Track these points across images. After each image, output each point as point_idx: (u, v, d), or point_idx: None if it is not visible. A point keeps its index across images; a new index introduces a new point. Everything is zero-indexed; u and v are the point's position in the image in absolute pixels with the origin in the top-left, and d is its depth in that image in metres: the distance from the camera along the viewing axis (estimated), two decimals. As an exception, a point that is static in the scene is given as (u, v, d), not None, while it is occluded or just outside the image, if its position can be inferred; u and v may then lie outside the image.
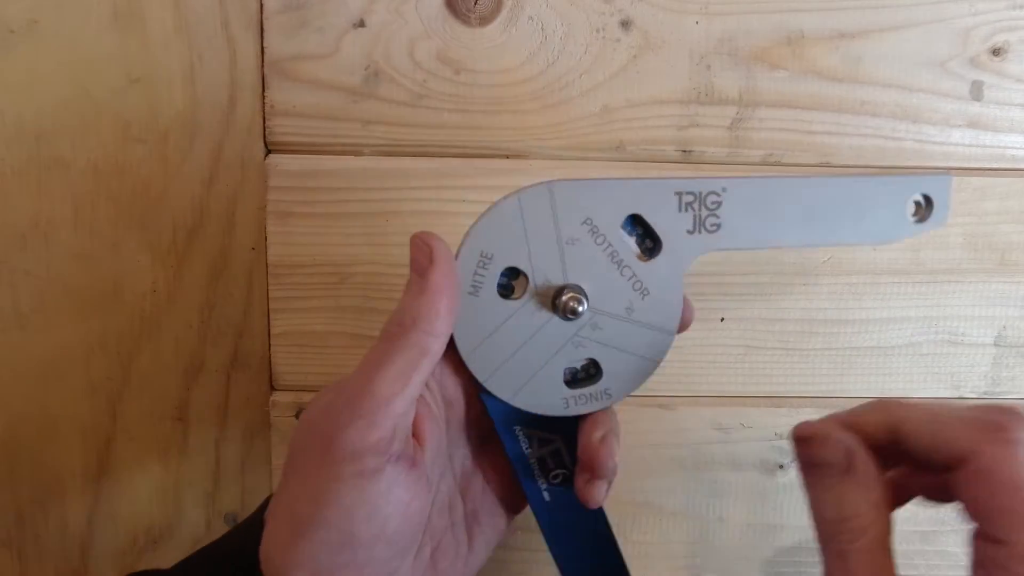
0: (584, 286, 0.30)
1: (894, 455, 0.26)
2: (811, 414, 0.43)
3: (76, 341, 0.42)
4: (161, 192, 0.41)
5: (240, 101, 0.40)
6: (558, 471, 0.32)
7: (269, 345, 0.42)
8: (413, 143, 0.40)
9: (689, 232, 0.30)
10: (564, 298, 0.29)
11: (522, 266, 0.29)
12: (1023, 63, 0.41)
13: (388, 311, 0.41)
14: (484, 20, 0.39)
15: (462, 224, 0.40)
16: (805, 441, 0.27)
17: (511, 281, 0.30)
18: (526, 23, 0.39)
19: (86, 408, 0.43)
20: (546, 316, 0.30)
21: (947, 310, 0.43)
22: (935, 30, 0.40)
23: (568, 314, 0.29)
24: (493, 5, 0.39)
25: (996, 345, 0.43)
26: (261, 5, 0.39)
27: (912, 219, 0.31)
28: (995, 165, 0.42)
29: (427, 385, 0.30)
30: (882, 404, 0.27)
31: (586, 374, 0.31)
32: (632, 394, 0.31)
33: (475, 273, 0.29)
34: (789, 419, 0.43)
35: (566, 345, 0.30)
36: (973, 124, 0.41)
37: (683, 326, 0.31)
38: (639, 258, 0.30)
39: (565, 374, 0.31)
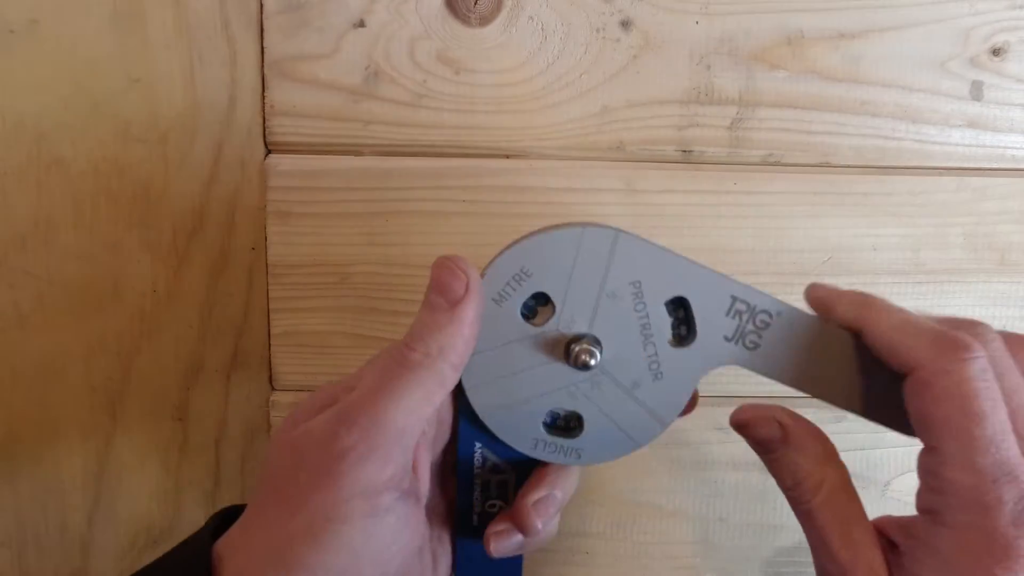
0: (604, 343, 0.28)
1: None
2: (812, 414, 0.43)
3: (76, 341, 0.42)
4: (161, 192, 0.41)
5: (240, 101, 0.40)
6: (496, 501, 0.31)
7: (269, 345, 0.42)
8: (413, 143, 0.40)
9: (727, 339, 0.28)
10: (580, 346, 0.28)
11: (555, 298, 0.28)
12: (1023, 63, 0.41)
13: (388, 311, 0.42)
14: (484, 20, 0.39)
15: (462, 224, 0.41)
16: (743, 427, 0.28)
17: (537, 306, 0.29)
18: (526, 23, 0.39)
19: (86, 408, 0.43)
20: (555, 356, 0.29)
21: (947, 310, 0.43)
22: (935, 30, 0.40)
23: (577, 363, 0.28)
24: (493, 5, 0.39)
25: (996, 345, 0.43)
26: (261, 5, 0.39)
27: None
28: (995, 165, 0.42)
29: None
30: (861, 298, 0.28)
31: (566, 425, 0.30)
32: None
33: (507, 283, 0.28)
34: (789, 419, 0.43)
35: (560, 390, 0.29)
36: (973, 124, 0.41)
37: (683, 412, 0.30)
38: (669, 341, 0.29)
39: (547, 416, 0.29)
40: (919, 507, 0.25)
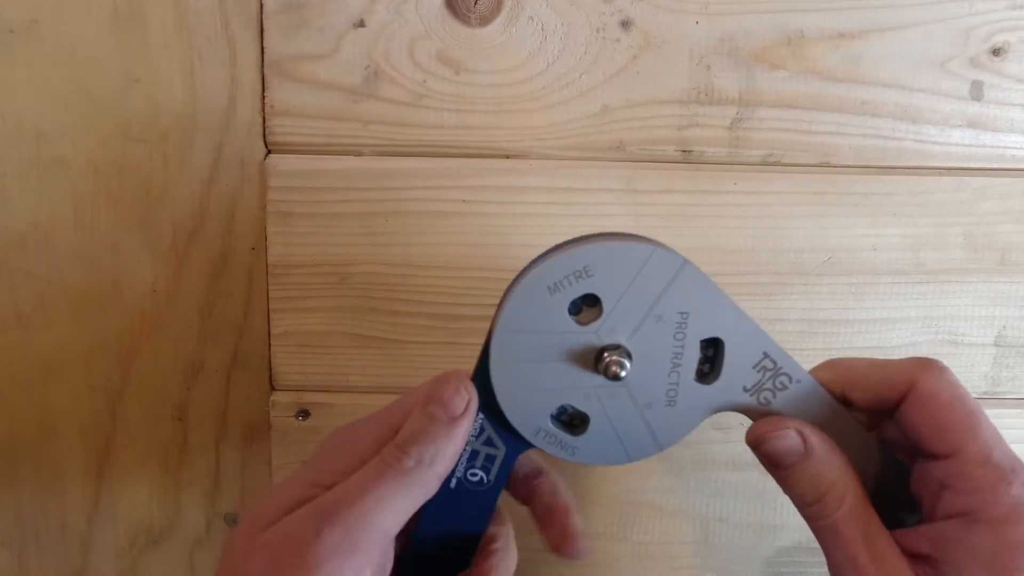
0: (635, 359, 0.29)
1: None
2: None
3: (76, 341, 0.42)
4: (161, 192, 0.41)
5: (240, 101, 0.40)
6: (479, 472, 0.31)
7: (269, 345, 0.42)
8: (413, 143, 0.40)
9: (744, 389, 0.29)
10: (613, 357, 0.28)
11: (606, 304, 0.28)
12: (1023, 63, 0.41)
13: (388, 311, 0.42)
14: (484, 20, 0.39)
15: (462, 224, 0.41)
16: (761, 443, 0.28)
17: (584, 306, 0.29)
18: (526, 23, 0.39)
19: (86, 408, 0.43)
20: (585, 357, 0.29)
21: (947, 310, 0.43)
22: (935, 30, 0.40)
23: (607, 372, 0.28)
24: (493, 5, 0.39)
25: (996, 345, 0.43)
26: (261, 5, 0.39)
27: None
28: (995, 165, 0.42)
29: None
30: (830, 363, 0.30)
31: (571, 422, 0.30)
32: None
33: (567, 276, 0.28)
34: (789, 419, 0.43)
35: (580, 390, 0.29)
36: (973, 124, 0.41)
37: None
38: (692, 375, 0.29)
39: (556, 409, 0.30)
40: (948, 514, 0.26)
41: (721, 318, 0.29)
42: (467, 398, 0.28)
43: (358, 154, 0.40)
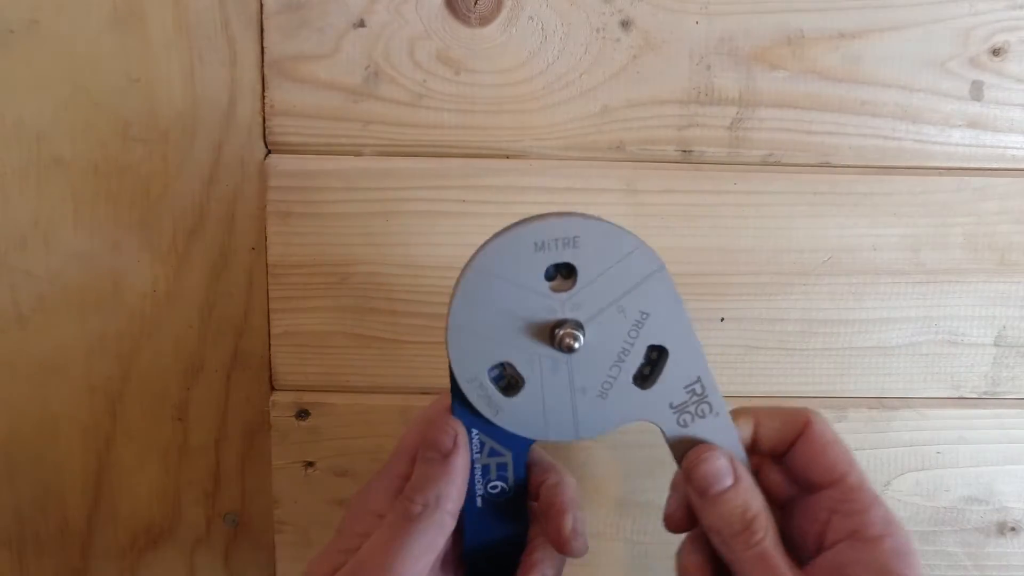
0: (587, 341, 0.29)
1: None
2: (811, 414, 0.43)
3: (76, 341, 0.42)
4: (161, 192, 0.41)
5: (240, 101, 0.40)
6: (498, 483, 0.32)
7: (269, 345, 0.42)
8: (413, 143, 0.40)
9: (671, 406, 0.31)
10: (569, 330, 0.29)
11: (581, 280, 0.29)
12: (1023, 63, 0.41)
13: (388, 311, 0.42)
14: (484, 20, 0.39)
15: (462, 224, 0.41)
16: (696, 464, 0.30)
17: (560, 275, 0.29)
18: (526, 23, 0.39)
19: (86, 408, 0.43)
20: (543, 323, 0.29)
21: (947, 310, 0.43)
22: (935, 30, 0.40)
23: (560, 342, 0.29)
24: (493, 5, 0.39)
25: (996, 345, 0.43)
26: (261, 5, 0.39)
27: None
28: (995, 165, 0.42)
29: None
30: (741, 408, 0.32)
31: (507, 383, 0.31)
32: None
33: (557, 239, 0.29)
34: (789, 419, 0.43)
35: (527, 352, 0.30)
36: (973, 124, 0.41)
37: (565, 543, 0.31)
38: (631, 375, 0.30)
39: (497, 366, 0.30)
40: (838, 538, 0.29)
41: (674, 330, 0.30)
42: (453, 433, 0.30)
43: (358, 154, 0.40)
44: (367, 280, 0.41)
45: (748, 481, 0.30)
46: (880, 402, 0.44)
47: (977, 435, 0.44)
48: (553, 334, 0.29)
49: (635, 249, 0.29)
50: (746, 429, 0.32)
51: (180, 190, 0.41)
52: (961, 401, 0.44)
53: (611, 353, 0.30)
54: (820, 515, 0.29)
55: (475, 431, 0.31)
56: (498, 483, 0.32)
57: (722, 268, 0.42)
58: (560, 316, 0.29)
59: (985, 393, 0.44)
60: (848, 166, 0.41)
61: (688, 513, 0.31)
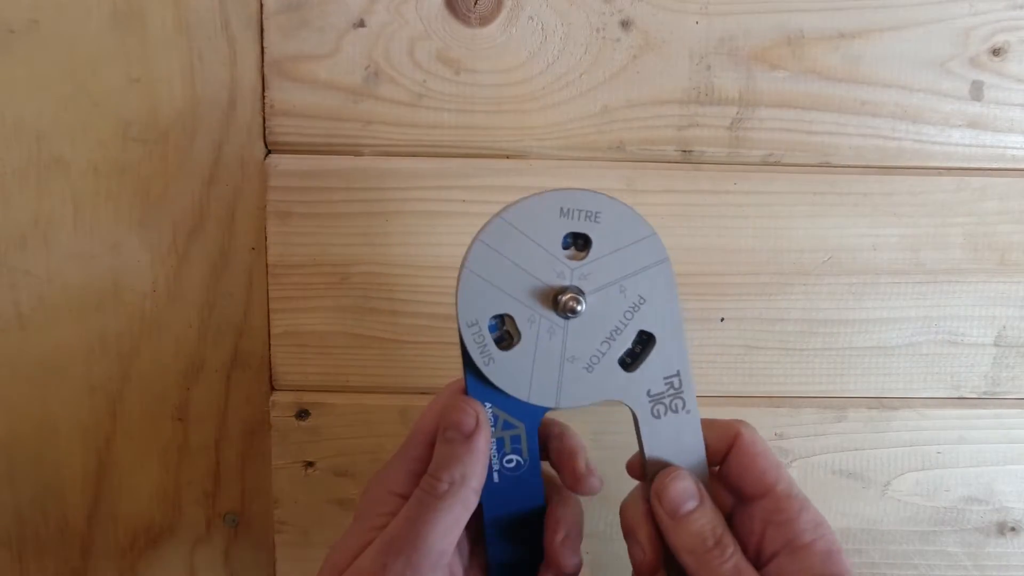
0: (587, 312, 0.31)
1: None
2: (811, 414, 0.43)
3: (76, 341, 0.42)
4: (161, 192, 0.41)
5: (240, 101, 0.40)
6: (513, 456, 0.33)
7: (269, 345, 0.42)
8: (413, 143, 0.40)
9: (648, 394, 0.32)
10: (574, 295, 0.30)
11: (593, 254, 0.31)
12: (1023, 63, 0.41)
13: (388, 311, 0.42)
14: (484, 20, 0.39)
15: (462, 224, 0.41)
16: (665, 486, 0.31)
17: (575, 245, 0.31)
18: (526, 23, 0.39)
19: (86, 408, 0.43)
20: (550, 287, 0.31)
21: (947, 310, 0.43)
22: (935, 30, 0.40)
23: (564, 306, 0.30)
24: (493, 5, 0.39)
25: (996, 345, 0.43)
26: (261, 5, 0.39)
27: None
28: (995, 165, 0.42)
29: None
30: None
31: (502, 336, 0.32)
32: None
33: (582, 211, 0.30)
34: (789, 419, 0.43)
35: (529, 309, 0.31)
36: (973, 124, 0.41)
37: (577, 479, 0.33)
38: (618, 356, 0.32)
39: (496, 317, 0.31)
40: (775, 550, 0.30)
41: (666, 320, 0.31)
42: (475, 414, 0.31)
43: (358, 154, 0.40)
44: (367, 280, 0.41)
45: (709, 501, 0.31)
46: (880, 402, 0.44)
47: (977, 435, 0.44)
48: (557, 299, 0.30)
49: (648, 236, 0.31)
50: None
51: (180, 190, 0.41)
52: (961, 401, 0.44)
53: (605, 329, 0.31)
54: (756, 527, 0.31)
55: (489, 404, 0.32)
56: (513, 457, 0.33)
57: (722, 268, 0.42)
58: (567, 283, 0.31)
59: (985, 393, 0.44)
60: (848, 166, 0.41)
61: (657, 553, 0.31)
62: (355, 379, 0.42)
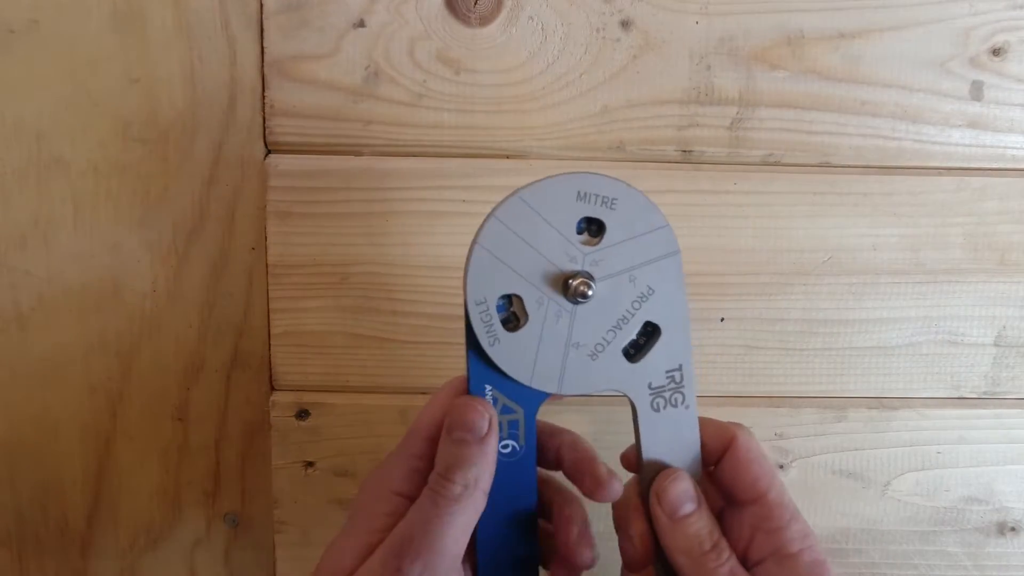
0: (596, 298, 0.31)
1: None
2: (811, 414, 0.43)
3: (76, 341, 0.42)
4: (161, 192, 0.41)
5: (240, 101, 0.40)
6: (509, 441, 0.32)
7: (269, 345, 0.42)
8: (413, 143, 0.40)
9: (649, 386, 0.32)
10: (580, 279, 0.30)
11: (607, 241, 0.30)
12: (1023, 63, 0.41)
13: (388, 311, 0.42)
14: (484, 20, 0.39)
15: (462, 224, 0.41)
16: (665, 487, 0.31)
17: (588, 229, 0.31)
18: (526, 23, 0.39)
19: (86, 408, 0.43)
20: (560, 271, 0.31)
21: (947, 310, 0.43)
22: (935, 30, 0.40)
23: (575, 290, 0.30)
24: (493, 5, 0.39)
25: (996, 345, 0.43)
26: (261, 5, 0.39)
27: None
28: (995, 165, 0.42)
29: None
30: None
31: (508, 316, 0.31)
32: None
33: (598, 196, 0.30)
34: (789, 419, 0.43)
35: (538, 291, 0.31)
36: (973, 124, 0.41)
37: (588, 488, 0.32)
38: (622, 346, 0.31)
39: (504, 298, 0.31)
40: (762, 556, 0.30)
41: (673, 313, 0.31)
42: (487, 416, 0.31)
43: (358, 154, 0.40)
44: (367, 280, 0.41)
45: (706, 503, 0.31)
46: (880, 402, 0.44)
47: (977, 435, 0.44)
48: (567, 284, 0.30)
49: (662, 227, 0.31)
50: None
51: (180, 190, 0.41)
52: (961, 401, 0.44)
53: (612, 317, 0.31)
54: (744, 532, 0.31)
55: (488, 387, 0.32)
56: (510, 442, 0.32)
57: (722, 268, 0.42)
58: (578, 267, 0.30)
59: (985, 393, 0.44)
60: (848, 166, 0.41)
61: (647, 548, 0.31)
62: (355, 379, 0.42)
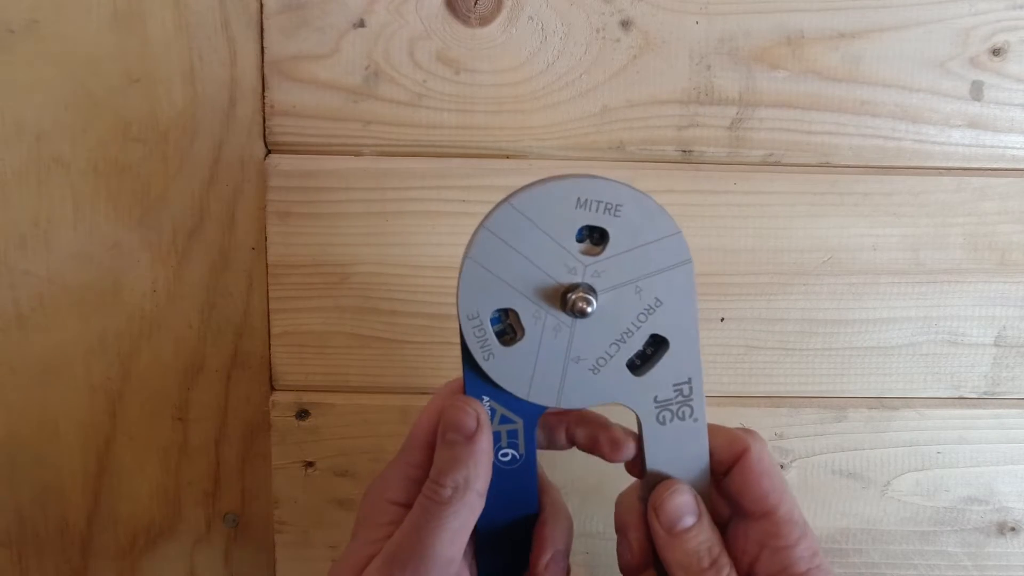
0: (597, 312, 0.29)
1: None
2: (811, 414, 0.43)
3: (76, 341, 0.42)
4: (161, 192, 0.41)
5: (240, 101, 0.40)
6: (508, 450, 0.32)
7: (269, 345, 0.42)
8: (413, 143, 0.40)
9: (655, 400, 0.30)
10: (583, 294, 0.28)
11: (610, 250, 0.29)
12: (1023, 63, 0.41)
13: (388, 311, 0.42)
14: (484, 20, 0.39)
15: (462, 224, 0.41)
16: (664, 499, 0.30)
17: (590, 237, 0.29)
18: (526, 23, 0.39)
19: (86, 408, 0.43)
20: (558, 284, 0.29)
21: (947, 310, 0.43)
22: (935, 30, 0.40)
23: (573, 305, 0.28)
24: (493, 5, 0.39)
25: (996, 345, 0.43)
26: (261, 5, 0.39)
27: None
28: (995, 165, 0.42)
29: None
30: None
31: (504, 329, 0.30)
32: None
33: (601, 202, 0.28)
34: (789, 419, 0.43)
35: (534, 305, 0.29)
36: (973, 124, 0.41)
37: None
38: (626, 359, 0.30)
39: (498, 310, 0.30)
40: (766, 574, 0.29)
41: (682, 326, 0.30)
42: (475, 414, 0.30)
43: (358, 154, 0.41)
44: (367, 280, 0.41)
45: (708, 517, 0.30)
46: (880, 402, 0.44)
47: (977, 435, 0.44)
48: (566, 297, 0.29)
49: (673, 235, 0.29)
50: None
51: (180, 190, 0.41)
52: (961, 401, 0.44)
53: (615, 331, 0.29)
54: (750, 548, 0.30)
55: (487, 398, 0.31)
56: (509, 451, 0.32)
57: (722, 268, 0.42)
58: (578, 280, 0.29)
59: (985, 393, 0.44)
60: (848, 166, 0.41)
61: (645, 555, 0.31)
62: (355, 379, 0.42)
